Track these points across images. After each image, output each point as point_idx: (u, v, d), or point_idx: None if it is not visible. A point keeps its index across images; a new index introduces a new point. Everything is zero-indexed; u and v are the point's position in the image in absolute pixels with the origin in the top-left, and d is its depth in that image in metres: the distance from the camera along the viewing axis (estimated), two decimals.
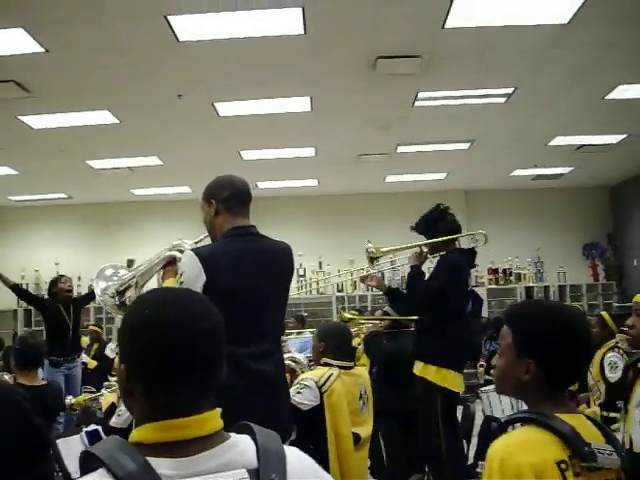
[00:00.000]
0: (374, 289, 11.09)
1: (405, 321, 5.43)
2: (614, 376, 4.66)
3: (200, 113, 8.20)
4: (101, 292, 3.37)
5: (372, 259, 4.93)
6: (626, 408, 2.87)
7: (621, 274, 13.59)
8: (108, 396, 4.82)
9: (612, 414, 4.32)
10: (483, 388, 6.46)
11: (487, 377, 8.14)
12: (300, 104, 8.13)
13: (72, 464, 3.08)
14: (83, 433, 3.49)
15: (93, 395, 5.67)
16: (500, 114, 8.71)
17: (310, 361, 4.74)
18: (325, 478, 1.29)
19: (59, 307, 7.20)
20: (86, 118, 8.16)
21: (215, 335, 1.23)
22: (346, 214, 13.23)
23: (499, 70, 7.22)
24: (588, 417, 1.83)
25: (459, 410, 5.35)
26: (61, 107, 7.82)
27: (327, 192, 13.12)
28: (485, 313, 11.24)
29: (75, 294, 7.91)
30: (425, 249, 4.83)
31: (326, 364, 3.94)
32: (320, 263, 13.00)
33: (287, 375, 3.73)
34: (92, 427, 3.59)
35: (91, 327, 9.97)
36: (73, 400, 5.48)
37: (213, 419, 1.19)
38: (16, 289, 7.51)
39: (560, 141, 10.10)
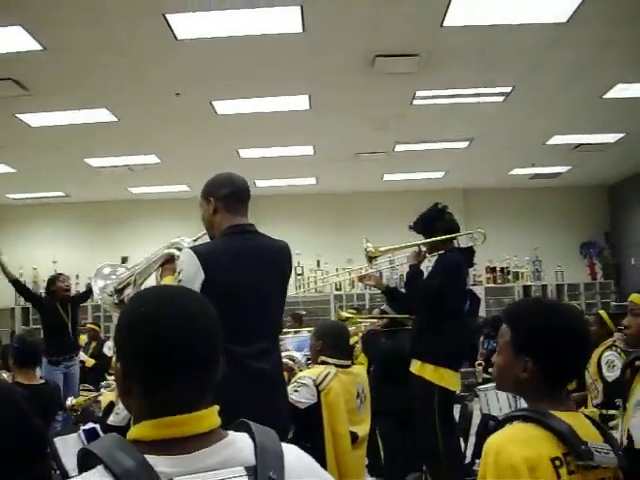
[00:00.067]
0: (372, 288, 11.13)
1: (403, 320, 5.44)
2: (612, 375, 4.66)
3: (198, 111, 8.19)
4: (100, 291, 3.37)
5: (370, 258, 4.93)
6: (624, 406, 2.88)
7: (619, 273, 13.61)
8: (107, 395, 4.82)
9: (611, 411, 4.33)
10: (481, 386, 6.48)
11: (485, 376, 8.14)
12: (298, 102, 8.12)
13: (70, 462, 3.07)
14: (81, 431, 3.49)
15: (93, 395, 5.67)
16: (498, 113, 8.71)
17: (308, 360, 4.74)
18: (324, 476, 1.29)
19: (57, 305, 7.20)
20: (84, 116, 8.15)
21: (212, 333, 1.23)
22: (344, 213, 13.24)
23: (497, 69, 7.22)
24: (586, 416, 1.84)
25: (457, 409, 5.36)
26: (59, 105, 7.81)
27: (325, 191, 13.12)
28: (483, 312, 11.24)
29: (73, 292, 7.89)
30: (424, 248, 4.83)
31: (323, 363, 3.94)
32: (318, 262, 13.00)
33: (285, 373, 3.74)
34: (90, 425, 3.58)
35: (89, 325, 9.95)
36: (74, 401, 5.48)
37: (211, 416, 1.19)
38: (17, 284, 7.49)
39: (558, 140, 10.10)
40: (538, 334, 1.77)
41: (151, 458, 1.11)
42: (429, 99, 8.11)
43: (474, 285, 11.39)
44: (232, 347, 2.48)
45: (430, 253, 4.85)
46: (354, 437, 3.82)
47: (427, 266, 4.99)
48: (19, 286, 7.55)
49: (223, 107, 8.10)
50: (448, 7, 5.73)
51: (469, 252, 4.90)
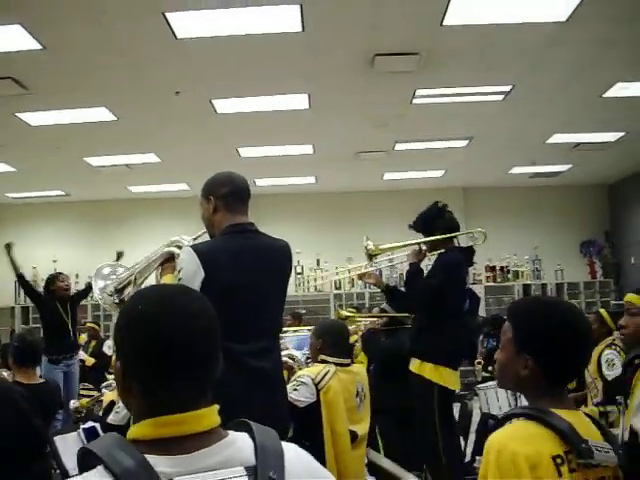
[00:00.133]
0: (372, 287, 11.12)
1: (402, 318, 5.44)
2: (611, 373, 4.66)
3: (198, 110, 8.19)
4: (100, 291, 3.37)
5: (370, 256, 4.92)
6: (626, 403, 2.89)
7: (618, 272, 13.62)
8: (108, 394, 4.81)
9: (609, 407, 4.33)
10: (480, 385, 6.48)
11: (484, 374, 8.14)
12: (298, 101, 8.12)
13: (70, 461, 3.07)
14: (80, 430, 3.49)
15: (95, 397, 5.66)
16: (498, 112, 8.71)
17: (308, 358, 4.74)
18: (324, 475, 1.28)
19: (56, 304, 7.20)
20: (84, 115, 8.15)
21: (212, 332, 1.23)
22: (344, 212, 13.23)
23: (497, 68, 7.22)
24: (587, 414, 1.84)
25: (457, 407, 5.37)
26: (59, 104, 7.81)
27: (325, 190, 13.12)
28: (483, 311, 11.24)
29: (73, 291, 7.88)
30: (424, 247, 4.83)
31: (323, 361, 3.94)
32: (318, 261, 12.99)
33: (285, 372, 3.74)
34: (89, 424, 3.58)
35: (89, 324, 9.95)
36: (77, 403, 5.47)
37: (210, 415, 1.19)
38: (21, 279, 7.48)
39: (558, 139, 10.10)
40: (538, 332, 1.78)
41: (151, 458, 1.10)
42: (429, 98, 8.11)
43: (474, 284, 11.40)
44: (230, 345, 2.47)
45: (430, 252, 4.85)
46: (354, 436, 3.82)
47: (427, 265, 4.99)
48: (23, 282, 7.52)
49: (223, 106, 8.10)
50: (448, 6, 5.73)
51: (469, 251, 4.90)
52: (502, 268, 13.41)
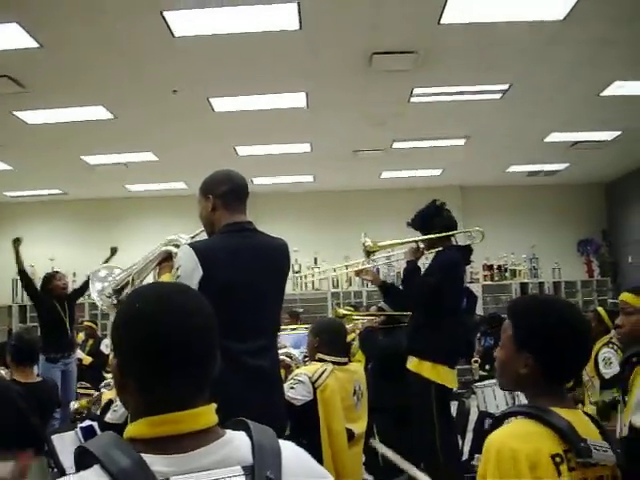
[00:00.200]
0: (369, 285, 11.12)
1: (400, 317, 5.44)
2: (608, 372, 4.66)
3: (195, 109, 8.18)
4: (98, 293, 3.36)
5: (368, 253, 4.91)
6: (624, 401, 2.90)
7: (616, 270, 13.63)
8: (107, 394, 4.81)
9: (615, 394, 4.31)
10: (478, 383, 6.48)
11: (481, 373, 8.15)
12: (295, 100, 8.11)
13: (67, 460, 3.08)
14: (78, 429, 3.49)
15: (95, 396, 5.65)
16: (496, 110, 8.71)
17: (305, 357, 4.74)
18: (321, 474, 1.28)
19: (54, 303, 7.18)
20: (81, 113, 8.13)
21: (209, 330, 1.23)
22: (342, 210, 13.22)
23: (495, 66, 7.22)
24: (586, 413, 1.84)
25: (454, 406, 5.37)
26: (56, 102, 7.80)
27: (323, 188, 13.10)
28: (480, 309, 11.25)
29: (70, 290, 7.87)
30: (421, 245, 4.83)
31: (320, 360, 3.94)
32: (315, 259, 12.99)
33: (282, 371, 3.74)
34: (87, 423, 3.58)
35: (86, 323, 9.95)
36: (76, 405, 5.47)
37: (208, 414, 1.19)
38: (24, 275, 7.46)
39: (555, 137, 10.10)
40: (537, 330, 1.78)
41: (147, 457, 1.10)
42: (427, 97, 8.11)
43: (471, 282, 11.42)
44: (228, 344, 2.47)
45: (428, 250, 4.85)
46: (350, 435, 3.82)
47: (424, 263, 4.99)
48: (25, 278, 7.49)
49: (220, 104, 8.09)
50: (445, 5, 5.73)
51: (467, 250, 4.90)
52: (499, 267, 13.42)
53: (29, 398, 2.44)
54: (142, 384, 1.18)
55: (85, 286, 7.35)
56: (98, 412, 4.66)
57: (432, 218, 4.78)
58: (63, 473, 3.01)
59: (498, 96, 8.17)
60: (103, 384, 5.64)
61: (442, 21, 6.03)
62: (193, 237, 3.22)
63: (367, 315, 6.21)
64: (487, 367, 7.83)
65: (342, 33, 6.32)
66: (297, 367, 4.43)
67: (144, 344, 1.17)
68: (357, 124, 9.13)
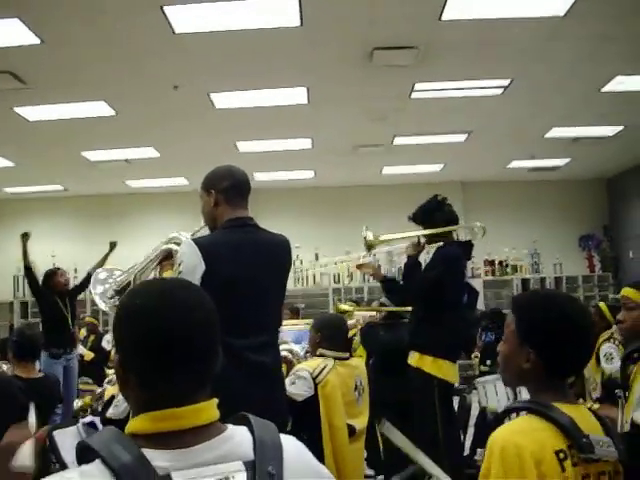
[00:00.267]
0: (370, 280, 11.11)
1: (402, 312, 5.43)
2: (610, 367, 4.66)
3: (196, 105, 8.18)
4: (100, 296, 3.36)
5: (369, 247, 4.91)
6: (625, 396, 2.90)
7: (617, 266, 13.62)
8: (110, 389, 4.82)
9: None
10: (479, 379, 6.48)
11: (483, 368, 8.15)
12: (296, 95, 8.11)
13: (69, 455, 3.08)
14: (80, 424, 3.49)
15: (97, 393, 5.66)
16: (497, 106, 8.70)
17: (307, 352, 4.75)
18: (321, 470, 1.28)
19: (56, 299, 7.19)
20: (82, 110, 8.13)
21: (211, 325, 1.23)
22: (343, 206, 13.21)
23: (496, 62, 7.21)
24: (588, 408, 1.84)
25: (455, 401, 5.37)
26: (57, 98, 7.80)
27: (324, 184, 13.10)
28: (481, 305, 11.23)
29: (71, 286, 7.87)
30: (422, 239, 4.82)
31: (322, 355, 3.95)
32: (317, 255, 12.97)
33: (284, 366, 3.75)
34: (89, 418, 3.58)
35: (87, 319, 9.95)
36: (80, 403, 5.47)
37: (209, 409, 1.19)
38: (29, 272, 7.46)
39: (557, 133, 10.09)
40: (539, 325, 1.78)
41: (149, 452, 1.10)
42: (428, 92, 8.10)
43: (472, 278, 11.40)
44: (230, 339, 2.47)
45: (429, 244, 4.84)
46: (351, 430, 3.83)
47: (425, 258, 4.98)
48: (30, 274, 7.50)
49: (221, 100, 8.09)
50: (446, 1, 5.72)
51: (468, 245, 4.90)
52: (501, 262, 13.42)
53: (31, 394, 2.44)
54: (144, 379, 1.18)
55: (86, 282, 7.34)
56: (100, 408, 4.68)
57: (433, 212, 4.78)
58: (65, 468, 3.02)
59: (499, 91, 8.16)
60: (107, 380, 5.65)
61: (443, 17, 6.02)
62: (193, 234, 3.22)
63: (369, 310, 6.21)
64: (488, 362, 7.83)
65: (343, 28, 6.31)
66: (298, 362, 4.43)
67: (146, 339, 1.17)
68: (358, 119, 9.12)
